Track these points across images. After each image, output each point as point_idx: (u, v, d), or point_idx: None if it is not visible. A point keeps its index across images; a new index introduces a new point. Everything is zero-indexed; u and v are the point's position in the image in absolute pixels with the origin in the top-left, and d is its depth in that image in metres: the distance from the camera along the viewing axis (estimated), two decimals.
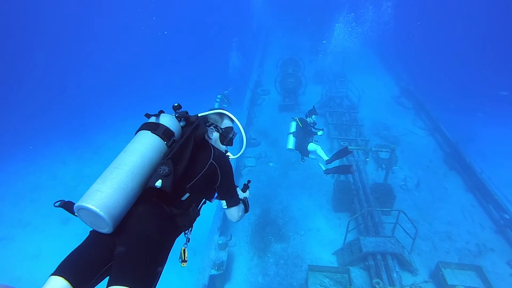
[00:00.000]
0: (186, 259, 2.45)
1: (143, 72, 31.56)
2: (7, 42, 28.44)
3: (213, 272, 7.54)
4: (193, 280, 8.05)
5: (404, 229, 7.79)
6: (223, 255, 7.83)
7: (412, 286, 5.67)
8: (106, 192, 1.87)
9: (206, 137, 2.62)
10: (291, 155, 9.22)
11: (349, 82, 16.09)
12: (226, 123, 2.81)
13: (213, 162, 2.40)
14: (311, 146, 8.29)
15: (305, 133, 8.23)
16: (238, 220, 2.74)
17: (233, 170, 2.63)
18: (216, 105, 15.32)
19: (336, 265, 7.76)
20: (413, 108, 16.12)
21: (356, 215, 8.20)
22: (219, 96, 15.05)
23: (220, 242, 7.93)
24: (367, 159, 10.36)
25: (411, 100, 16.70)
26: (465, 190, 10.58)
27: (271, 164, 11.53)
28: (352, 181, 9.80)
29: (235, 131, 2.88)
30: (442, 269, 7.31)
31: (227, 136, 2.76)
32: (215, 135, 2.74)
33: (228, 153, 2.84)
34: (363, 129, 12.94)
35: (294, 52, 18.82)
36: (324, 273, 7.20)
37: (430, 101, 15.92)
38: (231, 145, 2.88)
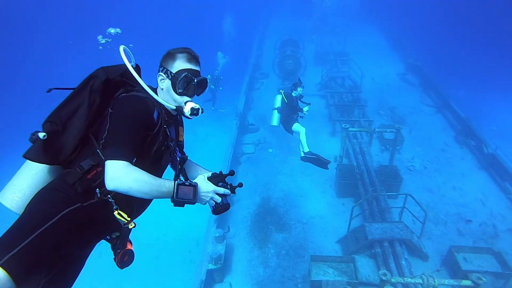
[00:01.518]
0: (126, 219, 1.98)
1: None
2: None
3: (211, 266, 7.14)
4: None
5: (412, 213, 7.27)
6: (220, 248, 7.41)
7: (423, 275, 5.17)
8: (11, 183, 1.96)
9: (149, 88, 2.08)
10: (290, 140, 8.72)
11: (351, 61, 15.39)
12: (178, 65, 2.06)
13: (110, 110, 1.89)
14: (296, 127, 7.76)
15: (290, 109, 7.71)
16: (116, 185, 1.69)
17: (141, 120, 1.90)
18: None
19: (341, 254, 7.31)
20: (420, 85, 15.40)
21: (361, 201, 7.70)
22: (209, 76, 14.54)
23: (217, 235, 7.50)
24: None
25: (417, 77, 15.95)
26: (478, 169, 9.96)
27: (270, 150, 11.02)
28: (356, 164, 9.26)
29: (195, 73, 2.10)
30: (455, 253, 6.81)
31: (177, 81, 2.04)
32: (166, 83, 2.09)
33: (190, 104, 2.10)
34: (367, 109, 12.31)
35: (293, 32, 18.13)
36: (327, 263, 6.77)
37: (439, 77, 15.16)
38: (192, 95, 2.14)
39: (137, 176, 1.73)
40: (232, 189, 2.11)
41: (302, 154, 7.93)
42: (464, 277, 5.48)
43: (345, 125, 8.84)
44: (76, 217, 1.81)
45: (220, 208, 2.01)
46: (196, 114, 2.11)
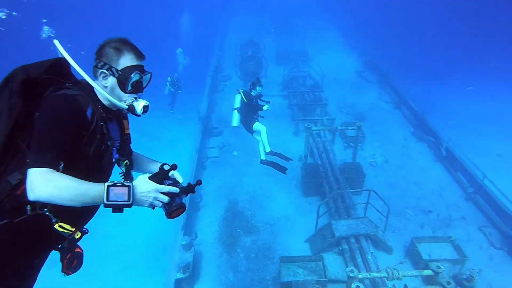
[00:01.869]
0: (70, 230, 1.87)
1: None
2: None
3: (179, 275, 6.97)
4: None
5: (376, 208, 7.47)
6: (188, 256, 7.25)
7: (388, 269, 5.33)
8: None
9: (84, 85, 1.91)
10: (254, 141, 8.69)
11: (311, 60, 15.64)
12: (124, 62, 1.93)
13: (37, 114, 1.73)
14: (257, 126, 7.75)
15: (249, 108, 7.71)
16: (36, 196, 1.53)
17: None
18: (166, 90, 14.58)
19: (309, 253, 7.38)
20: (377, 82, 15.93)
21: (326, 199, 7.81)
22: (169, 79, 14.32)
23: (184, 242, 7.33)
24: None
25: (375, 74, 16.48)
26: (434, 161, 10.45)
27: (235, 153, 10.96)
28: (320, 163, 9.40)
29: (143, 70, 2.01)
30: (417, 244, 7.10)
31: (127, 80, 1.92)
32: (111, 81, 1.93)
33: (141, 102, 2.02)
34: (328, 107, 12.56)
35: (254, 32, 18.27)
36: (297, 263, 6.81)
37: (395, 74, 15.75)
38: (141, 91, 2.04)
39: (59, 182, 1.56)
40: (191, 188, 1.95)
41: (263, 157, 7.96)
42: (426, 267, 5.72)
43: (308, 125, 8.96)
44: (6, 234, 1.69)
45: (174, 209, 1.80)
46: (147, 111, 2.04)
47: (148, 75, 2.06)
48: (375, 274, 5.45)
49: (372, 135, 11.55)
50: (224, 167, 10.46)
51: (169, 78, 14.48)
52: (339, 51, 19.40)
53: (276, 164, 7.94)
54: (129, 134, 2.26)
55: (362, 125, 8.98)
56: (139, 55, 1.99)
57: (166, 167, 2.04)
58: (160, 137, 16.07)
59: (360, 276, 5.29)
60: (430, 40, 23.74)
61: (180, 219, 8.13)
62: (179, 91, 14.78)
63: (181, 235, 7.69)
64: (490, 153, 11.37)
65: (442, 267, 5.27)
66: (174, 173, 2.03)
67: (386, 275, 5.25)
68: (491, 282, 6.70)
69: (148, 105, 2.04)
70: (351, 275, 5.16)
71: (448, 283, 5.05)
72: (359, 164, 9.20)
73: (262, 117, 8.02)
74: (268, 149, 7.80)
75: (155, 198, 1.75)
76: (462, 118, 14.35)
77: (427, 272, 5.35)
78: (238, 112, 7.72)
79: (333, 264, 6.93)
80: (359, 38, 20.31)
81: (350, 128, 9.34)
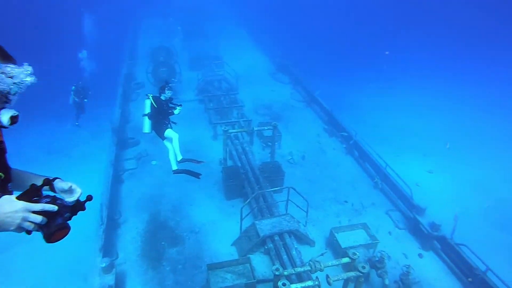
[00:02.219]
0: None
1: None
2: None
3: None
4: None
5: (296, 204, 7.79)
6: (109, 279, 6.73)
7: (310, 262, 5.58)
8: None
9: None
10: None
11: (225, 64, 15.73)
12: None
13: None
14: (169, 133, 7.62)
15: (160, 113, 7.52)
16: None
17: None
18: (70, 100, 13.61)
19: (237, 256, 7.40)
20: (289, 82, 16.64)
21: (249, 200, 7.90)
22: (73, 88, 13.32)
23: (103, 265, 6.77)
24: None
25: (286, 75, 17.21)
26: (345, 154, 11.25)
27: (154, 163, 10.52)
28: (240, 165, 9.49)
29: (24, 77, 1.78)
30: (336, 234, 7.57)
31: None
32: None
33: (7, 112, 1.75)
34: (244, 109, 12.76)
35: (164, 37, 17.81)
36: (224, 268, 6.78)
37: (304, 74, 16.62)
38: (7, 101, 1.79)
39: None
40: (80, 205, 1.76)
41: (174, 167, 7.82)
42: (345, 255, 6.10)
43: (226, 128, 8.98)
44: None
45: (53, 231, 1.57)
46: (17, 122, 1.78)
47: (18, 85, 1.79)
48: (299, 269, 5.67)
49: (288, 134, 12.00)
50: (143, 179, 9.97)
51: (73, 87, 13.36)
52: (251, 55, 19.85)
53: (189, 170, 7.84)
54: (2, 142, 1.95)
55: (277, 124, 9.29)
56: (5, 57, 1.74)
57: (59, 182, 1.82)
58: (71, 153, 14.84)
59: (285, 273, 5.46)
60: (332, 43, 25.72)
61: (98, 240, 7.53)
62: (85, 100, 13.70)
63: (99, 257, 7.11)
64: (392, 143, 12.64)
65: (357, 253, 5.69)
66: (72, 187, 1.84)
67: (309, 268, 5.49)
68: (398, 260, 7.44)
69: (17, 115, 1.78)
70: (277, 273, 5.29)
71: (363, 267, 5.45)
72: (277, 163, 9.50)
73: (175, 123, 7.85)
74: (179, 157, 7.66)
75: (25, 219, 1.50)
76: (366, 112, 15.76)
77: (345, 260, 5.72)
78: (148, 118, 7.43)
79: (260, 264, 7.07)
80: (269, 42, 21.06)
81: (266, 128, 9.59)
